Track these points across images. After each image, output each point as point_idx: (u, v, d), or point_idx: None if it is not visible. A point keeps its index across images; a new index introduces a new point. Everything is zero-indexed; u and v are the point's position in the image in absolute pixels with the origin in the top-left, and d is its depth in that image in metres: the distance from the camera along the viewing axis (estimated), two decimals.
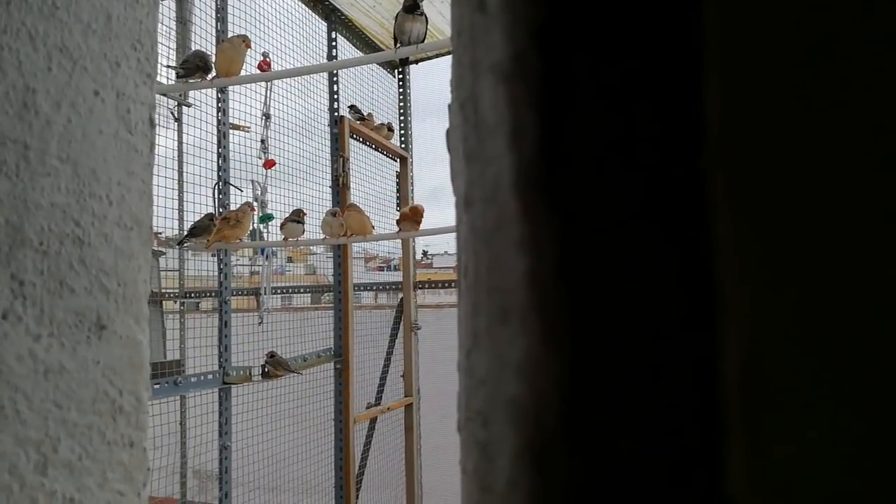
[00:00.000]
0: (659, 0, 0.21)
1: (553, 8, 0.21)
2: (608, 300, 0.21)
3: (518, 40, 0.22)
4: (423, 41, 2.51)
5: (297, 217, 3.10)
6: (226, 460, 3.05)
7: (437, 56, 4.29)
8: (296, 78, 3.43)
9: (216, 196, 3.10)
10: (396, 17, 2.59)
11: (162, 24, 3.07)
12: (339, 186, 3.64)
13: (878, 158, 0.20)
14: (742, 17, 0.20)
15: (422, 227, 2.99)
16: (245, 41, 2.58)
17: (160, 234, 3.94)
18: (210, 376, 2.99)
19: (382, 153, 4.27)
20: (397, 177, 4.40)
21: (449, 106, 0.31)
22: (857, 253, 0.20)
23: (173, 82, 2.75)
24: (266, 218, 3.17)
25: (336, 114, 3.75)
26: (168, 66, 2.87)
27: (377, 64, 4.27)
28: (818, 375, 0.20)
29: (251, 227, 3.07)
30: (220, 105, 3.11)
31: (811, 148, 0.20)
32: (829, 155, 0.20)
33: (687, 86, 0.21)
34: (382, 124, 4.02)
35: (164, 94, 3.16)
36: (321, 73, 3.75)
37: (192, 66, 2.54)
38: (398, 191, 4.38)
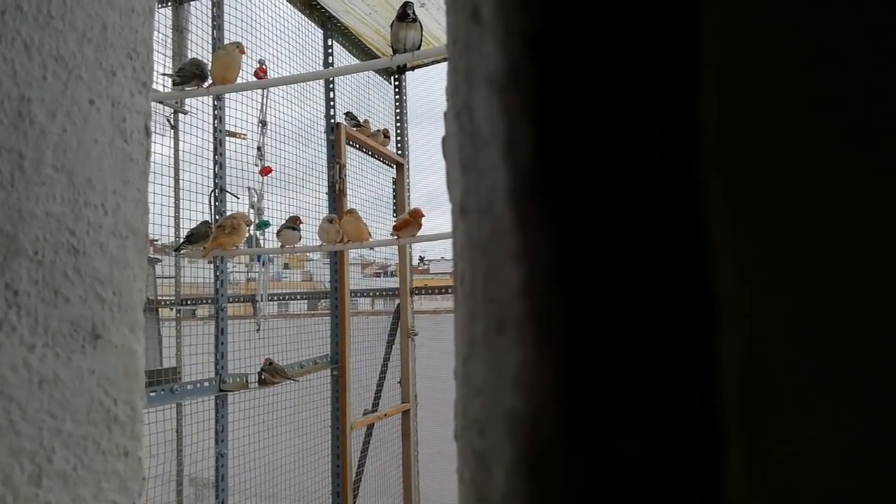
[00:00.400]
0: (653, 8, 0.21)
1: (546, 18, 0.21)
2: (604, 311, 0.21)
3: (512, 50, 0.22)
4: (418, 48, 2.51)
5: (292, 224, 3.09)
6: (222, 468, 3.04)
7: (433, 63, 4.30)
8: (292, 85, 3.43)
9: (212, 203, 3.09)
10: (391, 25, 2.59)
11: (158, 32, 3.07)
12: (336, 193, 3.64)
13: (878, 158, 0.20)
14: (741, 19, 0.20)
15: (419, 233, 2.99)
16: (239, 47, 2.58)
17: (156, 241, 3.93)
18: (206, 384, 2.98)
19: (379, 160, 4.27)
20: (394, 183, 4.41)
21: (445, 114, 0.31)
22: (857, 253, 0.20)
23: (169, 90, 2.75)
24: (262, 225, 3.17)
25: (332, 121, 3.76)
26: (164, 74, 2.87)
27: (373, 71, 4.28)
28: (818, 375, 0.20)
29: (247, 234, 3.06)
30: (216, 112, 3.11)
31: (810, 148, 0.20)
32: (829, 155, 0.20)
33: (683, 90, 0.21)
34: (378, 131, 4.03)
35: (161, 102, 3.16)
36: (317, 81, 3.76)
37: (189, 74, 2.55)
38: (395, 197, 4.38)
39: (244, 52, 2.59)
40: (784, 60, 0.20)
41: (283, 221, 3.16)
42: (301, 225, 3.13)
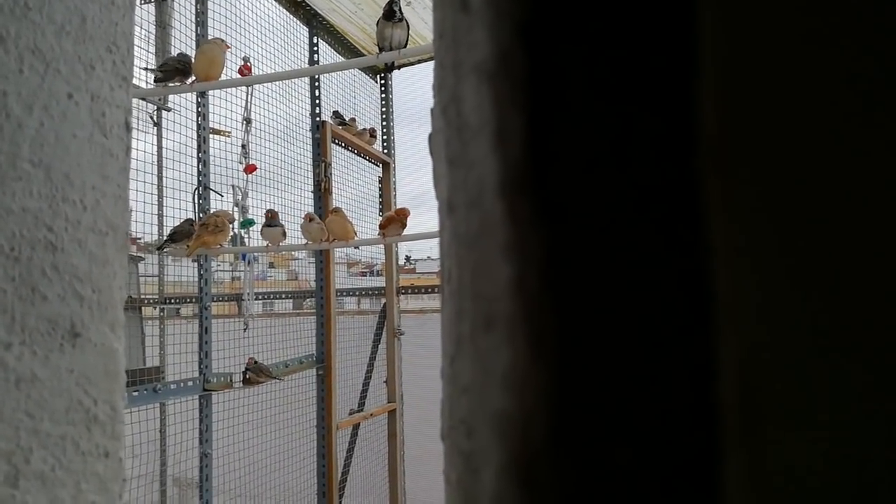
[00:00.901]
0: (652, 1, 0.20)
1: (538, 3, 0.20)
2: (598, 309, 0.21)
3: (502, 38, 0.21)
4: (404, 47, 2.51)
5: (271, 221, 3.05)
6: (206, 468, 3.01)
7: (419, 62, 4.29)
8: (277, 83, 3.41)
9: (196, 201, 3.06)
10: (377, 23, 2.58)
11: (141, 28, 3.03)
12: (322, 192, 3.62)
13: (882, 158, 0.19)
14: (739, 9, 0.20)
15: (405, 231, 2.98)
16: (223, 43, 2.56)
17: (139, 239, 3.89)
18: (190, 383, 2.95)
19: (365, 158, 4.25)
20: (380, 182, 4.39)
21: (431, 110, 0.30)
22: (860, 254, 0.19)
23: (152, 86, 2.72)
24: (247, 223, 3.14)
25: (318, 119, 3.73)
26: (146, 69, 2.84)
27: (359, 69, 4.26)
28: (820, 380, 0.19)
29: (231, 233, 3.03)
30: (200, 109, 3.08)
31: (812, 147, 0.20)
32: (831, 155, 0.20)
33: (682, 82, 0.20)
34: (365, 129, 4.01)
35: (144, 99, 3.12)
36: (303, 78, 3.74)
37: (171, 70, 2.51)
38: (381, 196, 4.37)
39: (229, 48, 2.57)
40: (784, 55, 0.20)
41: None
42: (278, 219, 3.09)
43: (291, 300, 4.95)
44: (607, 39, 0.20)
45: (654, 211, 0.20)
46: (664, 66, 0.20)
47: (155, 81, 2.61)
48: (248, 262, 3.33)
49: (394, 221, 2.94)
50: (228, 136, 3.21)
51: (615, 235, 0.20)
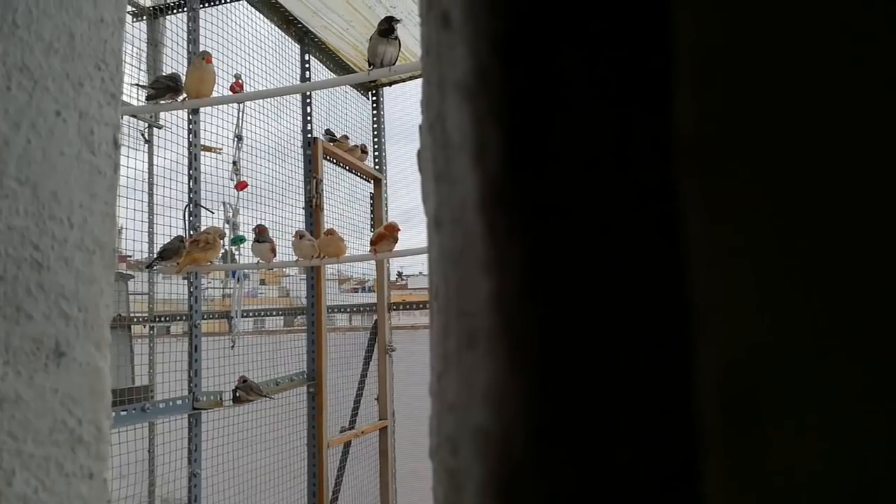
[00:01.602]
0: (623, 12, 0.20)
1: (514, 20, 0.21)
2: (577, 323, 0.20)
3: (481, 54, 0.21)
4: (394, 64, 2.52)
5: (260, 236, 3.04)
6: (195, 488, 2.97)
7: (410, 78, 4.31)
8: (269, 100, 3.42)
9: (187, 218, 3.05)
10: (370, 39, 2.60)
11: (133, 45, 3.04)
12: (313, 208, 3.61)
13: (864, 160, 0.19)
14: (714, 16, 0.20)
15: (396, 247, 2.98)
16: (205, 57, 2.55)
17: (130, 257, 3.86)
18: (179, 402, 2.92)
19: (357, 175, 4.25)
20: (371, 198, 4.39)
21: (419, 127, 0.31)
22: (860, 254, 0.19)
23: (144, 103, 2.72)
24: (238, 240, 3.13)
25: (309, 135, 3.74)
26: (138, 85, 2.84)
27: (350, 86, 4.27)
28: (818, 380, 0.19)
29: (223, 250, 3.02)
30: (191, 127, 3.08)
31: (810, 146, 0.20)
32: (814, 157, 0.20)
33: (658, 90, 0.20)
34: (356, 146, 4.02)
35: (135, 116, 3.12)
36: (294, 95, 3.74)
37: (163, 87, 2.52)
38: (372, 212, 4.37)
39: (210, 61, 2.56)
40: (761, 58, 0.20)
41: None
42: (267, 234, 3.07)
43: (282, 317, 4.92)
44: (581, 54, 0.20)
45: (629, 221, 0.20)
46: (637, 75, 0.20)
47: (146, 98, 2.61)
48: (238, 280, 3.31)
49: (385, 237, 2.94)
50: (220, 154, 3.21)
51: (593, 249, 0.20)
